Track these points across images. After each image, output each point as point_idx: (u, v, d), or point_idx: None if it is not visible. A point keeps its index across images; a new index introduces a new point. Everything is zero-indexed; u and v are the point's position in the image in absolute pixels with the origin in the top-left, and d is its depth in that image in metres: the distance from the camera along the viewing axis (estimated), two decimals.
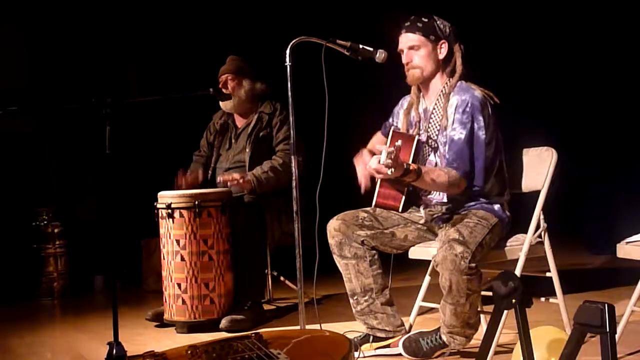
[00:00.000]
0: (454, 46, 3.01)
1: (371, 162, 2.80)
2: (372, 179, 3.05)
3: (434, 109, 3.02)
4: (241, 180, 3.95)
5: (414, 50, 2.99)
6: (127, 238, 4.66)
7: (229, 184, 3.98)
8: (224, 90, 4.14)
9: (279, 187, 3.99)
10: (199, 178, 4.22)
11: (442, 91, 3.00)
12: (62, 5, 5.66)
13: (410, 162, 2.88)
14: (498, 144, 2.98)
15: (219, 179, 4.04)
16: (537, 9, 5.91)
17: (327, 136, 2.79)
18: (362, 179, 3.06)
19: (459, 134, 2.90)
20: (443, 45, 2.99)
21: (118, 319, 2.72)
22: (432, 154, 3.02)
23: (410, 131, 3.09)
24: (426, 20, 2.99)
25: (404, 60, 3.02)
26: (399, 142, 2.62)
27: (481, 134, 2.90)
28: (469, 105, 2.90)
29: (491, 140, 2.93)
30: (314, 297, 3.36)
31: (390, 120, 3.26)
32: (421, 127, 3.06)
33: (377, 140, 3.25)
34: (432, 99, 3.05)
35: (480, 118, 2.90)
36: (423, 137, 3.04)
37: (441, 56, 3.00)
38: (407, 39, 3.00)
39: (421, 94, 3.10)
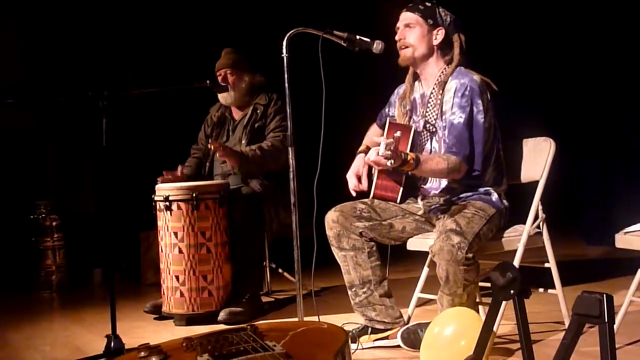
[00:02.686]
0: (453, 36, 3.01)
1: (370, 154, 2.79)
2: (369, 177, 3.05)
3: (431, 93, 3.01)
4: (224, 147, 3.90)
5: (409, 28, 2.99)
6: (125, 231, 4.67)
7: (218, 154, 3.96)
8: (222, 83, 4.13)
9: (266, 167, 3.99)
10: (178, 174, 4.13)
11: (439, 76, 2.99)
12: None
13: (407, 151, 2.87)
14: (496, 130, 2.98)
15: (210, 146, 4.00)
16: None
17: (324, 127, 2.78)
18: (350, 177, 3.07)
19: (459, 117, 2.89)
20: (439, 32, 2.99)
21: (116, 312, 2.73)
22: (430, 140, 3.01)
23: (407, 118, 3.09)
24: (429, 4, 3.00)
25: (396, 37, 3.02)
26: (398, 133, 2.61)
27: (480, 118, 2.89)
28: (468, 89, 2.90)
29: (490, 125, 2.93)
30: (312, 289, 3.38)
31: (387, 109, 3.25)
32: (418, 113, 3.05)
33: (374, 133, 3.25)
34: (429, 83, 3.04)
35: (479, 102, 2.89)
36: (421, 123, 3.03)
37: (436, 42, 2.99)
38: (404, 17, 3.01)
39: (417, 80, 3.10)
